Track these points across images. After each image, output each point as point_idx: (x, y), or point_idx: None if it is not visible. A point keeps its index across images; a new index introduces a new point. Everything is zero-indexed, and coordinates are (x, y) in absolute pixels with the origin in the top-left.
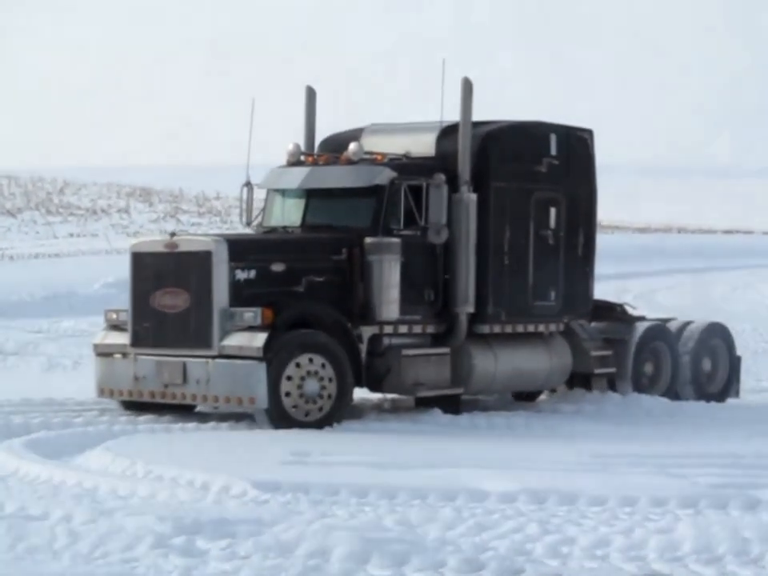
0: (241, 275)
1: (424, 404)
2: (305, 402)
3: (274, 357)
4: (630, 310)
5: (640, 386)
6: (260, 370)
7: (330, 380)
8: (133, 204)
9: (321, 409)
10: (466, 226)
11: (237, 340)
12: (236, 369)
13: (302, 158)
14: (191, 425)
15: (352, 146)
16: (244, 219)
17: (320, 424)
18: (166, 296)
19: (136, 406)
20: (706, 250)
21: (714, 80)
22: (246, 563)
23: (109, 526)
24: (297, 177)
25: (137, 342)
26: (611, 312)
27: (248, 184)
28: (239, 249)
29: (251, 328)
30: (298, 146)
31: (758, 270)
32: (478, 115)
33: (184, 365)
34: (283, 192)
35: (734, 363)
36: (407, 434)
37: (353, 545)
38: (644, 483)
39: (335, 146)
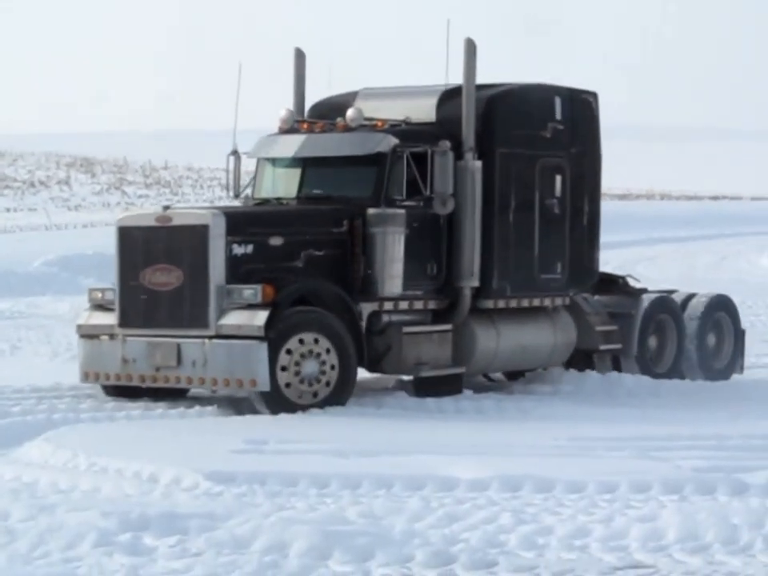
0: (238, 250)
1: (423, 386)
2: (306, 384)
3: (276, 336)
4: (633, 282)
5: (645, 362)
6: (261, 351)
7: (332, 362)
8: (74, 175)
9: (316, 394)
10: (472, 195)
11: (236, 319)
12: (235, 349)
13: (296, 124)
14: (137, 412)
15: (350, 112)
16: (231, 190)
17: (321, 407)
18: (157, 273)
19: (122, 391)
20: (691, 218)
21: (702, 38)
22: (198, 561)
23: (49, 522)
24: (292, 145)
25: (125, 322)
26: (614, 284)
27: (235, 153)
28: (237, 222)
29: (251, 306)
30: (291, 112)
31: (747, 238)
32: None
33: (178, 346)
34: (277, 161)
35: (739, 337)
36: (371, 418)
37: (313, 539)
38: (625, 468)
39: (326, 112)
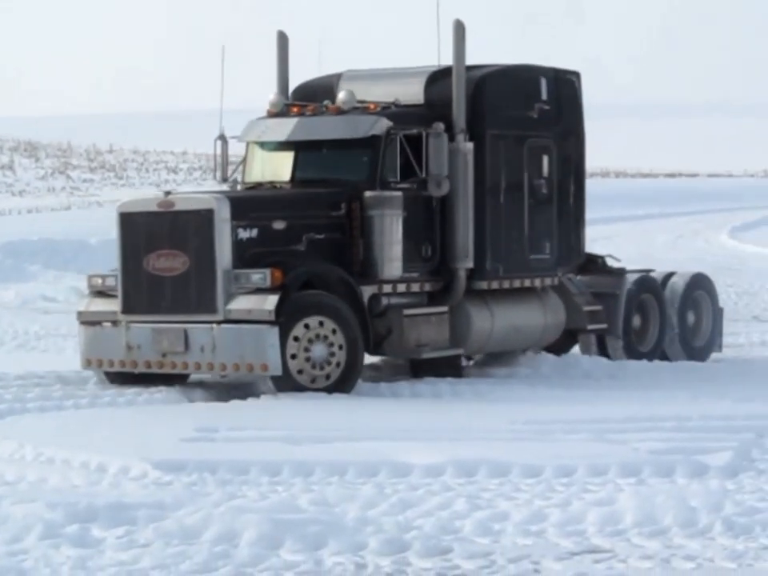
0: (243, 234)
1: (422, 368)
2: (316, 368)
3: (285, 320)
4: (612, 262)
5: (629, 342)
6: (272, 335)
7: (340, 344)
8: (17, 159)
9: (328, 376)
10: (464, 177)
11: (245, 303)
12: (246, 334)
13: (285, 108)
14: (85, 401)
15: (342, 95)
16: (219, 175)
17: (329, 391)
18: (161, 258)
19: (124, 378)
20: (647, 196)
21: (653, 14)
22: (146, 552)
23: None
24: (284, 129)
25: (129, 308)
26: (594, 264)
27: (222, 137)
28: (241, 206)
29: (259, 290)
30: (280, 96)
31: (704, 216)
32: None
33: (185, 331)
34: (268, 145)
35: (717, 316)
36: (322, 404)
37: (264, 528)
38: (582, 451)
39: (310, 95)
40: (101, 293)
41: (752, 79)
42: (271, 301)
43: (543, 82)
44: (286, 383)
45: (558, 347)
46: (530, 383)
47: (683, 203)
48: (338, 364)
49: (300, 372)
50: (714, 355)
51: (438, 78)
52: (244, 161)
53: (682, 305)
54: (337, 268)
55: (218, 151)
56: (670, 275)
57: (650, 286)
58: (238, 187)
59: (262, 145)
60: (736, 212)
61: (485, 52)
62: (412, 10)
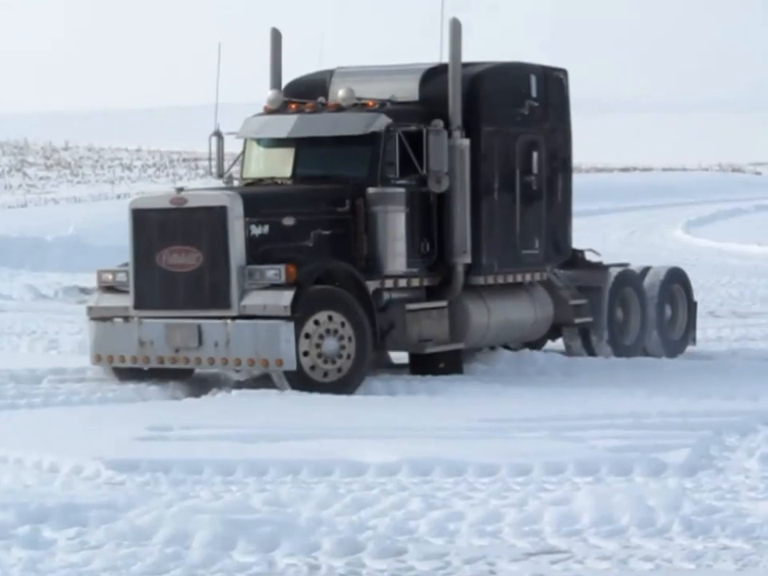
0: (255, 231)
1: (423, 364)
2: (325, 362)
3: (300, 315)
4: (593, 256)
5: (613, 335)
6: (288, 330)
7: (350, 339)
8: None
9: (340, 369)
10: (461, 173)
11: (260, 299)
12: (261, 329)
13: (283, 105)
14: (38, 400)
15: (342, 92)
16: (214, 170)
17: (338, 385)
18: (174, 255)
19: (133, 375)
20: (601, 190)
21: (607, 10)
22: (97, 554)
23: None
24: (285, 125)
25: (141, 304)
26: (576, 259)
27: (217, 133)
28: (253, 203)
29: (273, 286)
30: (278, 92)
31: (658, 211)
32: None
33: (199, 327)
34: (268, 141)
35: (692, 309)
36: (277, 402)
37: (216, 529)
38: (538, 449)
39: (302, 91)
40: (110, 288)
41: (705, 75)
42: (286, 296)
43: (533, 80)
44: (300, 378)
45: (540, 341)
46: (485, 380)
47: (637, 198)
48: (348, 357)
49: (312, 367)
50: (641, 352)
51: (433, 76)
52: (242, 157)
53: (660, 298)
54: (346, 264)
55: (214, 147)
56: (647, 269)
57: (631, 280)
58: (235, 183)
59: (261, 141)
60: (690, 206)
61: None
62: (401, 8)
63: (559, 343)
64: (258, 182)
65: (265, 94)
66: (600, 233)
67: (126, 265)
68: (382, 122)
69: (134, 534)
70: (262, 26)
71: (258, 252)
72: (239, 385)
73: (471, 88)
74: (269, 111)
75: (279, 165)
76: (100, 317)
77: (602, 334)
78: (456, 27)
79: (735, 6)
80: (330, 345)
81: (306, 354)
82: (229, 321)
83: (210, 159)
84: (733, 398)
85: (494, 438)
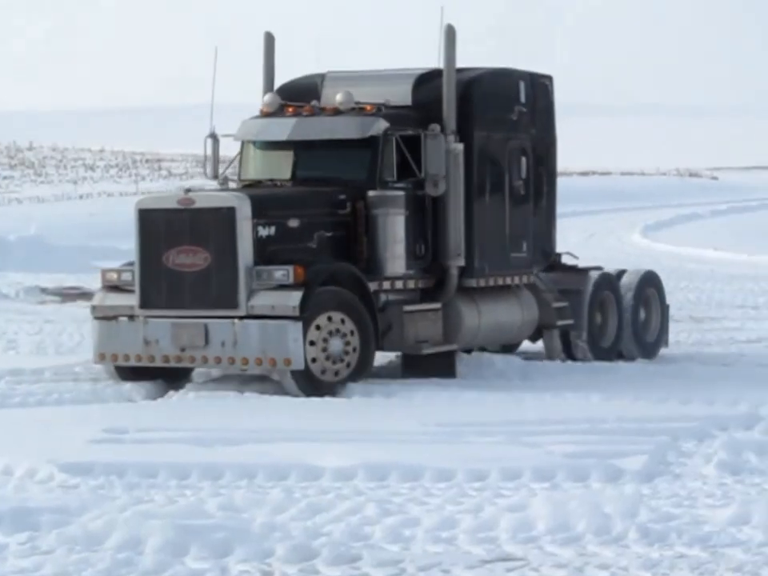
0: (262, 232)
1: (416, 366)
2: (335, 362)
3: (307, 316)
4: (571, 260)
5: (593, 338)
6: (296, 330)
7: (354, 339)
8: None
9: (347, 366)
10: (455, 177)
11: (268, 299)
12: (269, 329)
13: (280, 108)
14: None
15: (341, 96)
16: (209, 172)
17: (343, 384)
18: (182, 255)
19: (136, 374)
20: (559, 194)
21: (574, 15)
22: (48, 559)
23: None
24: (284, 128)
25: (147, 303)
26: (557, 262)
27: (213, 135)
28: (260, 204)
29: (281, 287)
30: (275, 96)
31: (616, 215)
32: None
33: (205, 326)
34: (266, 144)
35: (665, 312)
36: (233, 405)
37: (169, 534)
38: (495, 454)
39: (294, 95)
40: (115, 287)
41: (663, 80)
42: (295, 297)
43: (522, 86)
44: (306, 378)
45: (516, 343)
46: (443, 384)
47: (596, 201)
48: (353, 358)
49: (319, 367)
50: (617, 355)
51: (426, 81)
52: (240, 159)
53: (636, 301)
54: (351, 265)
55: (209, 149)
56: (621, 272)
57: (608, 283)
58: (230, 184)
59: (259, 143)
60: (648, 211)
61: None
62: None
63: (538, 345)
64: (257, 183)
65: (254, 95)
66: (559, 236)
67: (130, 264)
68: (380, 125)
69: (86, 539)
70: (249, 28)
71: (264, 253)
72: (197, 387)
73: (465, 93)
74: (265, 114)
75: (278, 167)
76: (104, 316)
77: (581, 336)
78: (451, 34)
79: (687, 9)
80: (336, 345)
81: (313, 353)
82: (236, 320)
83: (204, 161)
84: (689, 403)
85: (451, 443)
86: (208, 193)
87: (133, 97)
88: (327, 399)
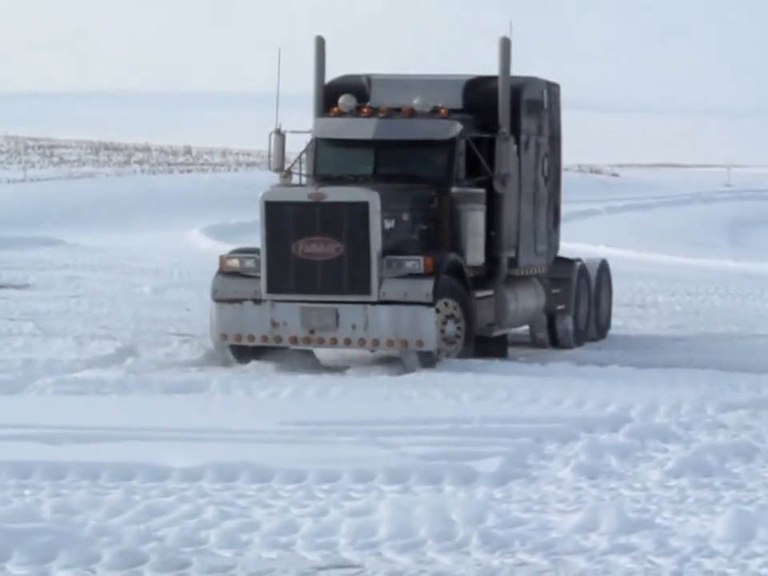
0: (387, 225)
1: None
2: (446, 343)
3: (435, 302)
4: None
5: (576, 323)
6: (429, 315)
7: (462, 323)
8: None
9: (455, 346)
10: (513, 176)
11: (401, 286)
12: (403, 313)
13: (355, 109)
14: None
15: (418, 99)
16: (273, 165)
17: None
18: (312, 244)
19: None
20: None
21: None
22: None
23: None
24: (367, 128)
25: (274, 288)
26: None
27: (278, 131)
28: (384, 199)
29: (411, 275)
30: (351, 97)
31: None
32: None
33: (336, 310)
34: (344, 142)
35: (611, 298)
36: (92, 402)
37: None
38: (350, 455)
39: (340, 93)
40: (234, 273)
41: (569, 75)
42: (427, 285)
43: (544, 93)
44: (428, 356)
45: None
46: (307, 380)
47: None
48: (461, 339)
49: (438, 347)
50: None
51: (474, 86)
52: (314, 155)
53: (597, 288)
54: (458, 256)
55: (273, 144)
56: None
57: (585, 272)
58: (294, 177)
59: (337, 141)
60: None
61: (453, 56)
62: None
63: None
64: (337, 178)
65: (254, 91)
66: None
67: (247, 252)
68: (457, 128)
69: None
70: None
71: (387, 244)
72: (60, 381)
73: (513, 98)
74: (338, 114)
75: (358, 163)
76: (225, 299)
77: (568, 321)
78: (505, 44)
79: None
80: (450, 328)
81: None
82: (368, 305)
83: (269, 155)
84: (560, 404)
85: (308, 443)
86: (339, 188)
87: (30, 81)
88: (185, 395)
